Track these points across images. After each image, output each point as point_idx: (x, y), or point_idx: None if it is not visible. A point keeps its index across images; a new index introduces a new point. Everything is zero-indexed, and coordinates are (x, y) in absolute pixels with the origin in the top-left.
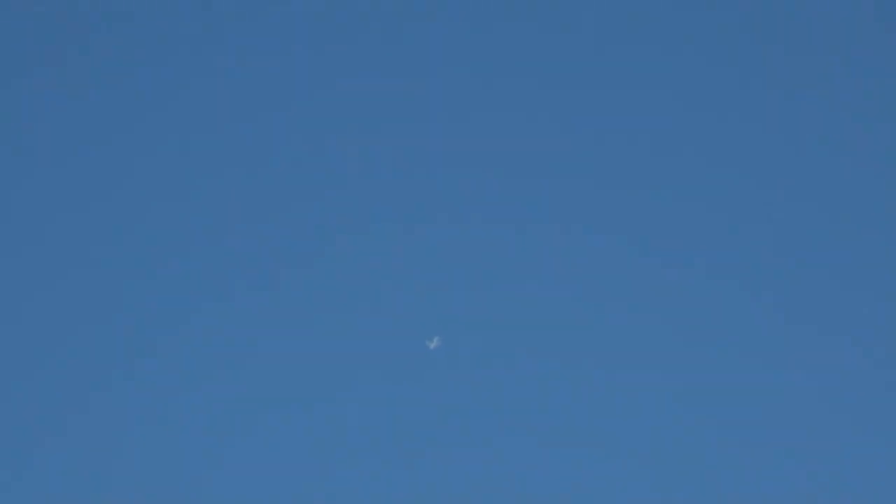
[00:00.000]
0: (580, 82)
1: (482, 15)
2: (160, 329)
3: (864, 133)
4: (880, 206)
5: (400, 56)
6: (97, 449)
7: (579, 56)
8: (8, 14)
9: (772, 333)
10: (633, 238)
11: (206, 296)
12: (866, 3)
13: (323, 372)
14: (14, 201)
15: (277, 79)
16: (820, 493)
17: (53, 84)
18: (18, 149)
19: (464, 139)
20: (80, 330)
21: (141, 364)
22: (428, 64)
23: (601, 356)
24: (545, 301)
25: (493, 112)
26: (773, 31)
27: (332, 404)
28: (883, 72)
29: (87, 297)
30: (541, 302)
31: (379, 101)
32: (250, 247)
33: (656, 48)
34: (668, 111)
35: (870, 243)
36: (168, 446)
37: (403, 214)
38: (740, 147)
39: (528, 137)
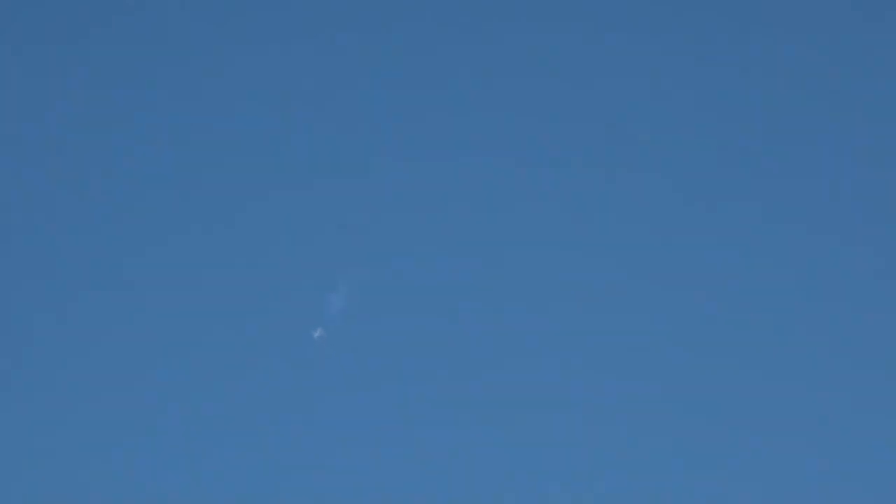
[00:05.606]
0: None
1: (486, 6)
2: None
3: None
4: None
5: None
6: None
7: (579, 49)
8: (8, 7)
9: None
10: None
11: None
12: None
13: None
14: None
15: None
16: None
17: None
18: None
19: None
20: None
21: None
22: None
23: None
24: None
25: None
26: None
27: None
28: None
29: (74, 288)
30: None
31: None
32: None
33: (667, 37)
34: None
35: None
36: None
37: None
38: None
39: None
